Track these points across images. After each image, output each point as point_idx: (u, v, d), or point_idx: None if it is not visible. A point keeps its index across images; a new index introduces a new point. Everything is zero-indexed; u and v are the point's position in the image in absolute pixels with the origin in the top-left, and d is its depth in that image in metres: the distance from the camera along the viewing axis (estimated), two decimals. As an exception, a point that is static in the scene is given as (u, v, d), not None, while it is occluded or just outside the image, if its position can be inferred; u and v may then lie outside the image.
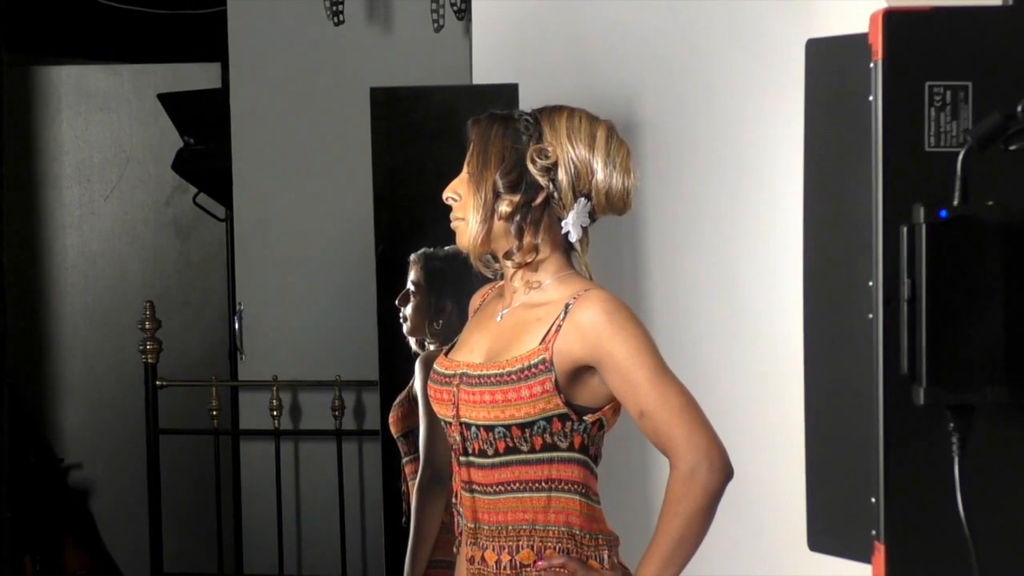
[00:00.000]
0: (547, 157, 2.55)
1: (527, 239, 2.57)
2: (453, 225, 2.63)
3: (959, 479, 1.88)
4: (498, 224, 2.57)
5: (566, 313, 2.51)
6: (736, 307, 3.94)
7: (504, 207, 2.56)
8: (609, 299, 2.51)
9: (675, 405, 2.45)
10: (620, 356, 2.47)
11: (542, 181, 2.55)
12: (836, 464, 2.12)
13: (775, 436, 3.79)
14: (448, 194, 2.62)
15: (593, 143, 2.56)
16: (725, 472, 2.45)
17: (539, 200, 2.56)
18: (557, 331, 2.50)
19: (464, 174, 2.61)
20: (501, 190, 2.56)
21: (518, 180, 2.56)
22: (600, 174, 2.57)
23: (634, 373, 2.46)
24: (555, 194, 2.56)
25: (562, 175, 2.55)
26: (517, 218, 2.56)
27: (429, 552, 3.57)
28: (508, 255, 2.59)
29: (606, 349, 2.47)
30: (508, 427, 2.52)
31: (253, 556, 5.49)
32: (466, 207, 2.59)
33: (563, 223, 2.58)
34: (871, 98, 1.95)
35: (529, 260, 2.58)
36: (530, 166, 2.55)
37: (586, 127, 2.58)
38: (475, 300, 2.80)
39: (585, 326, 2.48)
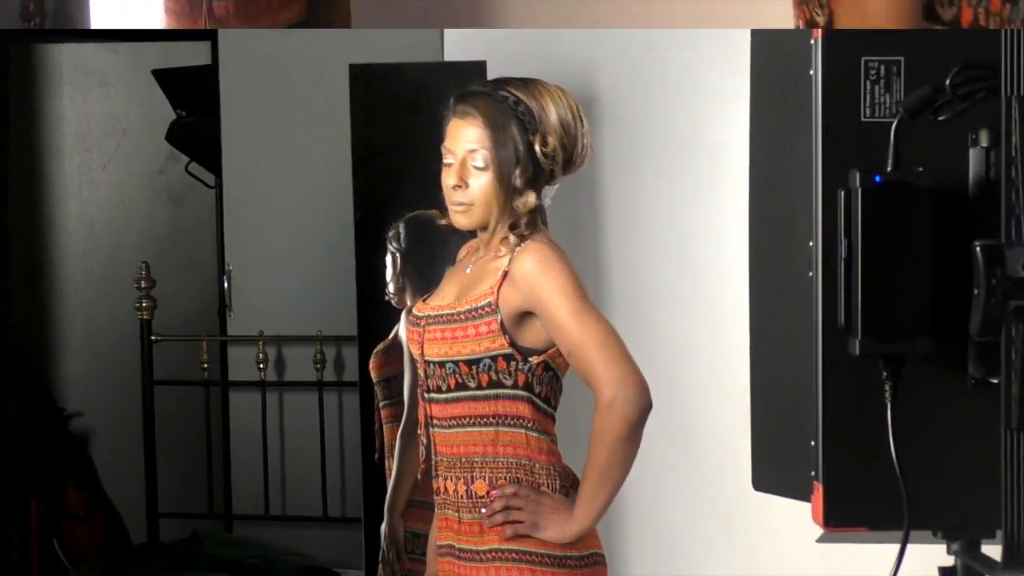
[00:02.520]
0: (547, 144, 2.51)
1: (536, 217, 2.54)
2: (457, 209, 2.55)
3: (891, 423, 1.89)
4: (515, 209, 2.52)
5: (510, 263, 2.49)
6: (687, 266, 3.95)
7: (531, 200, 2.51)
8: (541, 248, 2.48)
9: (594, 340, 2.42)
10: (546, 300, 2.44)
11: (546, 167, 2.52)
12: (778, 410, 2.12)
13: (722, 384, 3.81)
14: (456, 183, 2.53)
15: (575, 120, 2.53)
16: (641, 403, 2.40)
17: (545, 184, 2.54)
18: (503, 278, 2.49)
19: (465, 161, 2.53)
20: (520, 185, 2.51)
21: (534, 175, 2.51)
22: (580, 147, 2.55)
23: (558, 314, 2.44)
24: (551, 172, 2.53)
25: (560, 157, 2.52)
26: (536, 204, 2.52)
27: (408, 492, 3.57)
28: (514, 227, 2.53)
29: (536, 295, 2.45)
30: (457, 363, 2.52)
31: (241, 498, 5.48)
32: (473, 195, 2.52)
33: (548, 192, 2.56)
34: (811, 72, 1.95)
35: (529, 232, 2.52)
36: (539, 156, 2.50)
37: (566, 103, 2.53)
38: (462, 251, 2.76)
39: (520, 275, 2.46)
